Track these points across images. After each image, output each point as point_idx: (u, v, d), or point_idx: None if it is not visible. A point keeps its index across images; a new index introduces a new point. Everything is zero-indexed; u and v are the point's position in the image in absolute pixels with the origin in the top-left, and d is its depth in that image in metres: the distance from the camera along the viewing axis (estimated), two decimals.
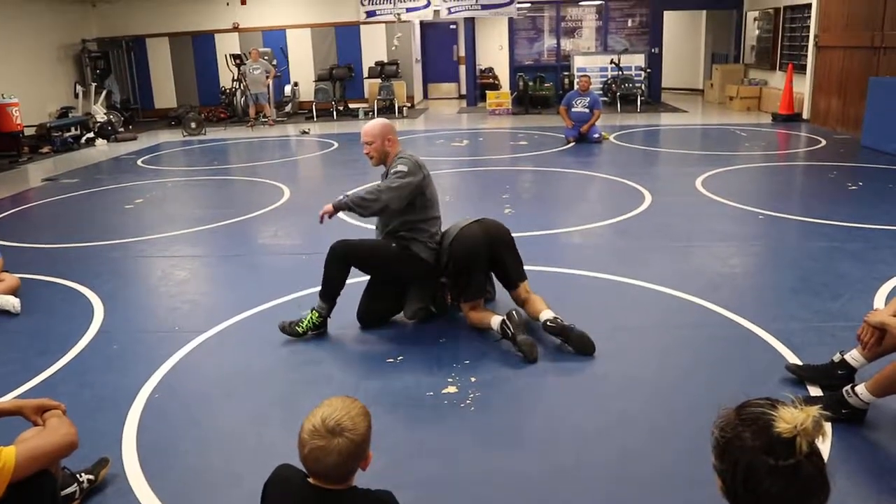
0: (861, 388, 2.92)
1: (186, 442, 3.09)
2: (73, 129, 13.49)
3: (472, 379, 3.52)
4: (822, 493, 1.32)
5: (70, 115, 14.33)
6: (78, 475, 2.65)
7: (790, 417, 1.31)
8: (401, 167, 4.02)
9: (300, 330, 4.04)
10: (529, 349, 3.67)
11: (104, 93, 15.23)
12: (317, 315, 4.07)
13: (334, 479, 1.75)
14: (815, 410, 1.32)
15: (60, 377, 3.73)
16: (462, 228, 4.11)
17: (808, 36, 12.59)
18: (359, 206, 4.05)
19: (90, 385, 3.62)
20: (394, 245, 4.11)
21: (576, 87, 11.44)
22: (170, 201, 8.34)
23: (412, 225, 4.11)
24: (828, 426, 1.34)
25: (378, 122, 4.18)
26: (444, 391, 3.42)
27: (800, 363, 3.46)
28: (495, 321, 3.87)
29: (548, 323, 3.81)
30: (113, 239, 6.42)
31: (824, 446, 2.73)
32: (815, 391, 3.24)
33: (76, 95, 15.00)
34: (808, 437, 1.28)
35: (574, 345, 3.74)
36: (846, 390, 2.97)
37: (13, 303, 4.63)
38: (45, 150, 12.44)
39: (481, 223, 4.17)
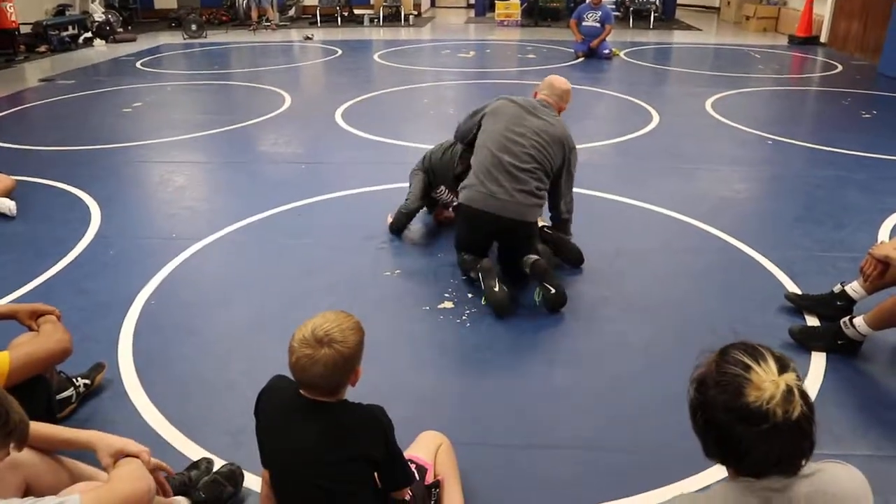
0: (859, 321, 2.91)
1: (182, 348, 3.11)
2: (70, 28, 13.09)
3: (469, 295, 3.52)
4: (805, 444, 1.29)
5: (67, 13, 13.89)
6: (74, 379, 2.67)
7: (762, 384, 1.27)
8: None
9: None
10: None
11: None
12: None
13: (322, 389, 1.75)
14: (789, 377, 1.28)
15: (56, 282, 3.73)
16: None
17: None
18: None
19: (86, 291, 3.62)
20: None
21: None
22: (169, 106, 8.17)
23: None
24: (802, 391, 1.29)
25: (566, 85, 3.92)
26: (440, 306, 3.42)
27: (799, 292, 3.45)
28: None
29: (545, 229, 3.86)
30: (111, 143, 6.32)
31: (811, 389, 2.75)
32: (812, 321, 3.24)
33: None
34: (781, 407, 1.25)
35: (566, 255, 3.81)
36: (844, 322, 2.96)
37: (9, 205, 4.58)
38: (42, 49, 12.11)
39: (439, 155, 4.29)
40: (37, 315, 2.45)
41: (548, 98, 3.78)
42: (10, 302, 3.44)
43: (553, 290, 3.37)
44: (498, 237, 3.67)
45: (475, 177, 3.53)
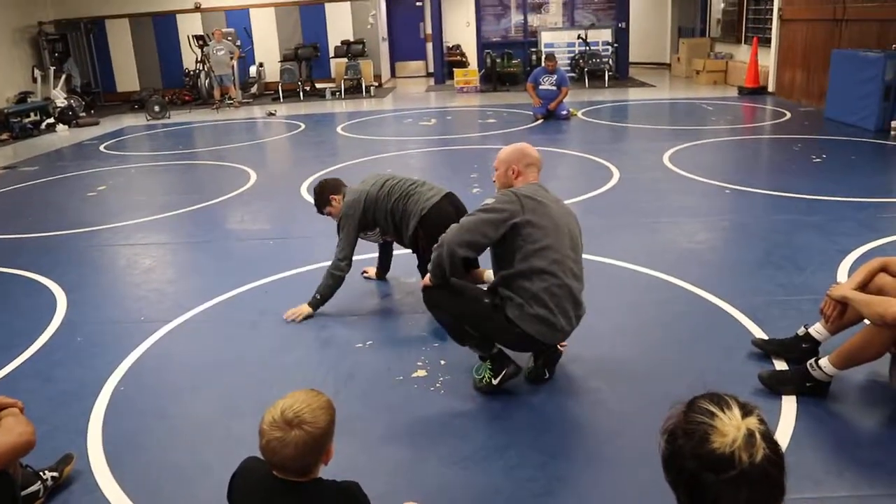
0: (824, 361, 2.96)
1: (153, 435, 3.05)
2: (32, 114, 13.17)
3: (442, 362, 3.52)
4: (775, 492, 1.32)
5: (29, 100, 13.97)
6: (41, 473, 2.60)
7: (726, 429, 1.30)
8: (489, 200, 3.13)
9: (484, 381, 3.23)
10: None
11: (63, 77, 14.86)
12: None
13: (293, 471, 1.74)
14: (751, 422, 1.32)
15: (22, 372, 3.66)
16: (433, 206, 4.02)
17: (772, 9, 12.66)
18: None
19: (54, 379, 3.55)
20: (487, 300, 3.14)
21: (543, 63, 11.40)
22: (134, 188, 8.19)
23: (508, 279, 3.07)
24: (764, 434, 1.32)
25: (511, 147, 3.33)
26: (413, 375, 3.41)
27: (766, 337, 3.51)
28: (489, 274, 3.57)
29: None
30: (76, 228, 6.30)
31: (785, 434, 2.79)
32: (780, 365, 3.29)
33: (34, 80, 14.61)
34: (745, 451, 1.28)
35: None
36: (810, 363, 3.01)
37: None
38: (4, 136, 12.14)
39: (449, 198, 4.12)
40: None
41: (537, 173, 3.29)
42: None
43: (547, 375, 3.28)
44: None
45: (545, 309, 2.96)
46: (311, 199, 5.35)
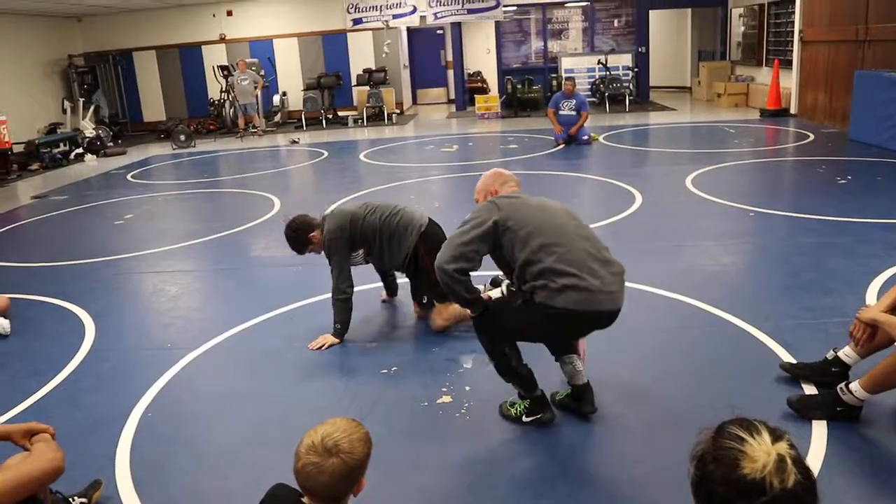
0: (855, 385, 2.92)
1: (180, 462, 3.07)
2: (61, 145, 13.45)
3: (467, 388, 3.51)
4: None
5: (59, 131, 14.28)
6: (71, 499, 2.62)
7: (756, 455, 1.29)
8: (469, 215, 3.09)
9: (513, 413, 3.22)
10: None
11: (92, 108, 15.20)
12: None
13: (324, 498, 1.74)
14: (781, 447, 1.30)
15: (52, 399, 3.71)
16: (429, 222, 4.16)
17: (792, 31, 12.64)
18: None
19: (82, 406, 3.60)
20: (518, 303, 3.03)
21: (562, 88, 11.45)
22: (160, 216, 8.31)
23: (523, 275, 2.96)
24: (796, 460, 1.31)
25: (486, 174, 3.36)
26: (438, 401, 3.41)
27: (794, 361, 3.46)
28: (495, 293, 3.67)
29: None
30: (104, 256, 6.39)
31: (815, 460, 2.74)
32: (809, 389, 3.24)
33: (64, 111, 14.96)
34: (776, 477, 1.27)
35: None
36: (841, 388, 2.97)
37: (3, 324, 4.60)
38: (35, 167, 12.40)
39: (432, 223, 4.22)
40: (31, 434, 2.42)
41: (516, 187, 3.31)
42: (5, 422, 3.41)
43: (585, 409, 3.17)
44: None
45: (568, 276, 2.82)
46: None
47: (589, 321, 2.96)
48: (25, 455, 2.34)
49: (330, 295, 4.17)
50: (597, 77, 16.19)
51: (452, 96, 19.11)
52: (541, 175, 9.01)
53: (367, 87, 16.14)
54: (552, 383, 3.32)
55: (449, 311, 4.16)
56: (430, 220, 4.24)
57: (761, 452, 1.29)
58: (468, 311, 3.42)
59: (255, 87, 14.63)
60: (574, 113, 10.91)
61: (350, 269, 4.17)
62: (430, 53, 19.91)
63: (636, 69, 16.37)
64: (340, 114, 16.19)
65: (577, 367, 3.17)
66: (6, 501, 2.09)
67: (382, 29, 16.40)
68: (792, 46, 12.70)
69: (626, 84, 15.59)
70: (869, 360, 3.09)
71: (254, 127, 14.96)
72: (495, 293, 4.12)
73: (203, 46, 17.19)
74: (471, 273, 2.97)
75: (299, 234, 4.23)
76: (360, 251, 4.25)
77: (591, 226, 6.21)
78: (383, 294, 4.77)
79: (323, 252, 4.22)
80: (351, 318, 4.16)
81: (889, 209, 6.16)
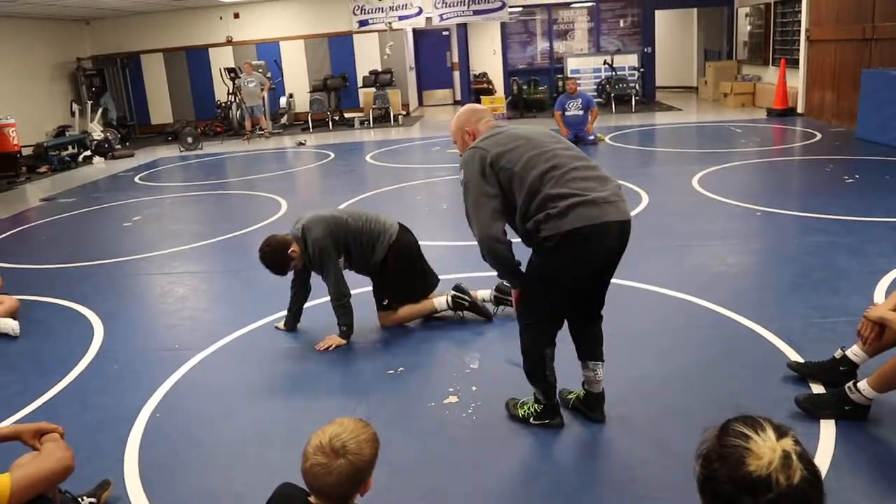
0: (863, 384, 2.91)
1: (188, 461, 3.08)
2: (70, 147, 13.51)
3: (474, 388, 3.51)
4: None
5: (67, 133, 14.35)
6: (80, 499, 2.64)
7: (761, 451, 1.29)
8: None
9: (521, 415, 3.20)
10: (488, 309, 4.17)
11: (100, 110, 15.27)
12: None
13: (331, 498, 1.75)
14: (786, 443, 1.30)
15: (61, 399, 3.73)
16: (398, 235, 4.24)
17: (799, 30, 12.60)
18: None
19: (91, 406, 3.61)
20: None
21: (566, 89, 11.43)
22: (168, 218, 8.34)
23: (526, 215, 2.81)
24: (801, 456, 1.31)
25: (458, 112, 3.19)
26: (445, 401, 3.41)
27: (801, 360, 3.45)
28: (440, 301, 4.23)
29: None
30: (112, 257, 6.42)
31: (824, 459, 2.73)
32: (817, 388, 3.23)
33: (72, 114, 15.03)
34: (781, 473, 1.27)
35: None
36: (849, 386, 2.96)
37: (12, 325, 4.62)
38: (43, 169, 12.46)
39: (403, 228, 4.32)
40: (41, 434, 2.44)
41: (492, 120, 3.15)
42: (15, 422, 3.43)
43: (594, 417, 3.16)
44: (611, 265, 2.97)
45: (569, 198, 2.71)
46: None
47: (598, 242, 2.76)
48: (35, 455, 2.36)
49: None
50: (603, 77, 16.16)
51: (458, 97, 19.11)
52: None
53: (374, 89, 16.17)
54: (560, 380, 3.31)
55: (391, 318, 4.32)
56: (399, 224, 4.32)
57: (766, 449, 1.29)
58: (426, 310, 4.03)
59: (262, 89, 14.66)
60: (581, 112, 10.89)
61: (342, 273, 4.15)
62: (435, 55, 19.92)
63: (642, 69, 16.34)
64: (347, 115, 16.23)
65: (598, 376, 3.14)
66: (16, 501, 2.10)
67: (387, 31, 16.41)
68: (798, 45, 12.65)
69: (633, 84, 15.56)
70: (877, 359, 3.08)
71: (260, 129, 14.99)
72: (485, 293, 4.26)
73: (210, 49, 17.25)
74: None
75: (278, 255, 4.03)
76: (341, 257, 4.20)
77: None
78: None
79: (307, 262, 4.14)
80: (354, 321, 4.17)
81: None
